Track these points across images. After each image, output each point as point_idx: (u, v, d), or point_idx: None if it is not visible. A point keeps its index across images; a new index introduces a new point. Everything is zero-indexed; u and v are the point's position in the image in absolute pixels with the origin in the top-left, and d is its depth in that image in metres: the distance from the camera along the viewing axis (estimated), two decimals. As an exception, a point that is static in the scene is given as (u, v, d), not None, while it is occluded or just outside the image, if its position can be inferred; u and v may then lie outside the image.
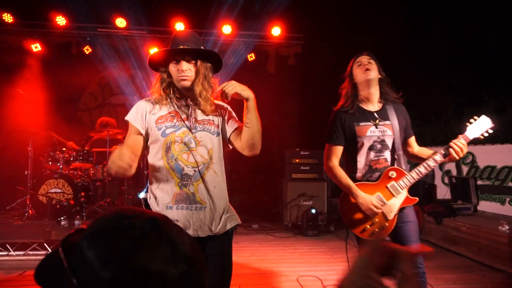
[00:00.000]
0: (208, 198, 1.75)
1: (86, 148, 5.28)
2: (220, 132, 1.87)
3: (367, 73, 2.24)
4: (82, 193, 4.95)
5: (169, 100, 1.81)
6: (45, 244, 4.08)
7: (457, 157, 2.15)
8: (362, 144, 2.24)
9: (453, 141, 2.17)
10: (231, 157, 5.74)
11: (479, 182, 5.31)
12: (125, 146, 1.63)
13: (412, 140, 2.39)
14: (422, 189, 5.62)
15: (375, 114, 2.28)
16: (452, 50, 6.88)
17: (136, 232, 0.58)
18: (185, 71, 1.73)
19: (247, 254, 4.44)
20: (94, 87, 7.17)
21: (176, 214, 1.70)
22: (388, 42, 6.59)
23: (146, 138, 1.81)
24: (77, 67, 6.65)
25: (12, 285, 3.26)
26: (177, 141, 1.73)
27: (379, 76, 2.29)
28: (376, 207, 2.14)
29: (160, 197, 1.73)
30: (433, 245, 4.93)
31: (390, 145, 2.25)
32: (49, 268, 0.60)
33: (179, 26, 6.68)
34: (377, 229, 2.20)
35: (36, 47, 6.58)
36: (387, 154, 2.26)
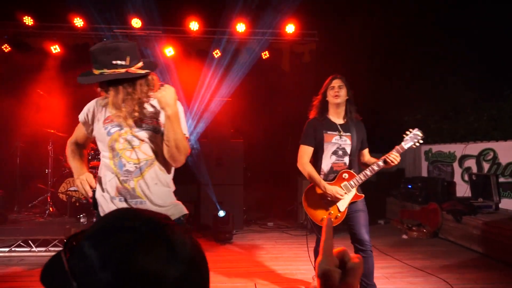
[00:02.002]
0: (148, 193, 1.81)
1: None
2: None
3: (336, 97, 2.83)
4: (100, 191, 5.05)
5: None
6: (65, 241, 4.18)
7: (393, 165, 2.73)
8: (327, 148, 2.83)
9: (387, 155, 2.72)
10: (246, 154, 5.77)
11: (501, 180, 5.16)
12: (73, 144, 2.01)
13: (366, 151, 3.01)
14: (440, 187, 5.51)
15: (340, 127, 2.87)
16: (472, 44, 6.70)
17: (135, 232, 0.58)
18: None
19: (263, 252, 4.44)
20: (111, 87, 7.28)
21: (120, 206, 1.80)
22: (404, 37, 6.47)
23: (92, 136, 1.96)
24: (94, 68, 6.77)
25: (35, 279, 3.36)
26: (120, 139, 1.81)
27: (347, 97, 2.87)
28: (341, 194, 2.73)
29: (106, 190, 1.85)
30: (452, 243, 4.83)
31: (349, 152, 2.84)
32: (53, 270, 0.61)
33: (194, 25, 6.72)
34: (332, 219, 2.53)
35: (55, 48, 6.73)
36: (346, 159, 2.85)
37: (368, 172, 2.76)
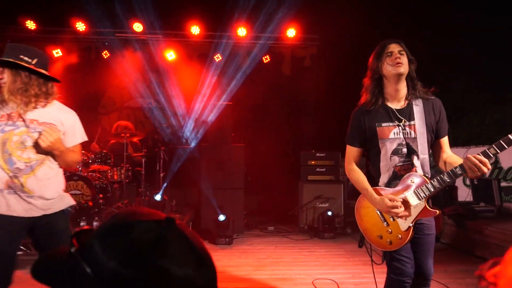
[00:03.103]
0: (37, 189, 2.00)
1: (104, 151, 5.38)
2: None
3: (398, 66, 1.97)
4: (101, 195, 5.05)
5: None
6: (64, 245, 4.17)
7: (475, 175, 1.87)
8: (385, 147, 2.04)
9: (469, 157, 1.86)
10: (247, 159, 5.76)
11: (503, 184, 5.13)
12: None
13: (444, 141, 2.12)
14: (442, 191, 5.48)
15: (400, 113, 2.04)
16: (476, 46, 6.68)
17: (144, 230, 0.59)
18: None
19: (263, 257, 4.42)
20: (112, 90, 7.31)
21: (8, 198, 1.97)
22: (408, 40, 6.46)
23: None
24: (96, 72, 6.81)
25: (34, 283, 3.34)
26: (14, 138, 1.96)
27: (409, 70, 2.03)
28: (394, 206, 1.94)
29: None
30: (454, 248, 4.79)
31: (416, 148, 2.02)
32: (55, 262, 0.62)
33: (195, 29, 6.75)
34: (391, 240, 2.04)
35: (57, 52, 6.76)
36: (414, 159, 2.02)
37: (446, 177, 1.91)
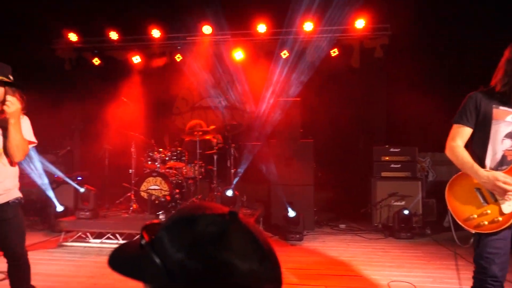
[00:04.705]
0: None
1: (179, 149, 5.70)
2: None
3: None
4: (177, 190, 5.37)
5: None
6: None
7: None
8: (497, 130, 2.01)
9: None
10: (316, 154, 5.67)
11: None
12: None
13: None
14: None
15: None
16: None
17: (208, 224, 0.61)
18: None
19: (334, 254, 4.32)
20: (185, 92, 7.72)
21: None
22: (485, 29, 5.79)
23: None
24: (170, 75, 7.25)
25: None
26: None
27: None
28: (506, 182, 1.88)
29: None
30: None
31: None
32: (130, 251, 0.66)
33: (261, 27, 6.81)
34: (486, 221, 1.95)
35: (136, 59, 7.34)
36: None
37: None
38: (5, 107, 2.32)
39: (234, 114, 7.39)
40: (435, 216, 5.63)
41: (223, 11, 6.61)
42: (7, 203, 2.52)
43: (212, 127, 5.96)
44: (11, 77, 2.48)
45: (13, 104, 2.33)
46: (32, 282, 3.50)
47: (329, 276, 3.61)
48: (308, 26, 6.66)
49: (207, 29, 6.93)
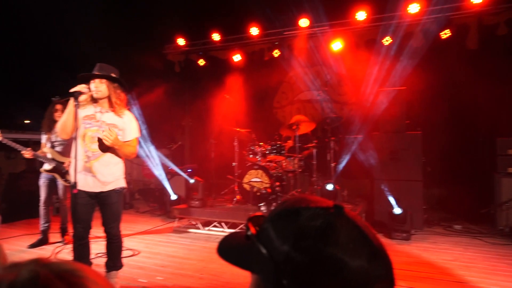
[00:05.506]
0: (99, 171, 2.90)
1: (278, 143, 5.81)
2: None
3: None
4: (277, 183, 5.48)
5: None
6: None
7: None
8: None
9: None
10: (425, 147, 5.19)
11: None
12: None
13: None
14: None
15: None
16: None
17: (311, 217, 0.59)
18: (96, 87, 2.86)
19: (448, 258, 3.91)
20: (285, 86, 7.81)
21: (82, 177, 2.86)
22: None
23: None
24: (270, 70, 7.40)
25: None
26: (89, 133, 2.88)
27: None
28: None
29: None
30: None
31: None
32: (238, 247, 0.68)
33: (361, 15, 6.48)
34: None
35: (237, 57, 7.69)
36: None
37: None
38: (104, 141, 2.71)
39: (333, 107, 7.21)
40: None
41: (320, 2, 6.48)
42: (114, 190, 2.94)
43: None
44: (114, 76, 2.89)
45: (109, 138, 2.68)
46: (154, 261, 3.99)
47: (443, 281, 3.29)
48: (414, 7, 6.10)
49: (304, 22, 6.88)
